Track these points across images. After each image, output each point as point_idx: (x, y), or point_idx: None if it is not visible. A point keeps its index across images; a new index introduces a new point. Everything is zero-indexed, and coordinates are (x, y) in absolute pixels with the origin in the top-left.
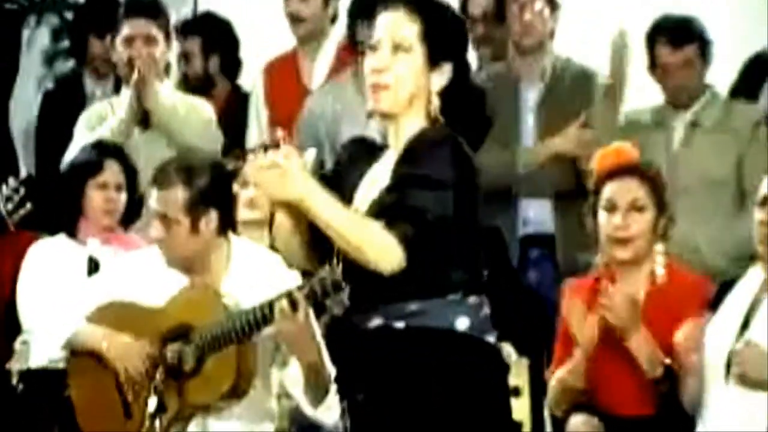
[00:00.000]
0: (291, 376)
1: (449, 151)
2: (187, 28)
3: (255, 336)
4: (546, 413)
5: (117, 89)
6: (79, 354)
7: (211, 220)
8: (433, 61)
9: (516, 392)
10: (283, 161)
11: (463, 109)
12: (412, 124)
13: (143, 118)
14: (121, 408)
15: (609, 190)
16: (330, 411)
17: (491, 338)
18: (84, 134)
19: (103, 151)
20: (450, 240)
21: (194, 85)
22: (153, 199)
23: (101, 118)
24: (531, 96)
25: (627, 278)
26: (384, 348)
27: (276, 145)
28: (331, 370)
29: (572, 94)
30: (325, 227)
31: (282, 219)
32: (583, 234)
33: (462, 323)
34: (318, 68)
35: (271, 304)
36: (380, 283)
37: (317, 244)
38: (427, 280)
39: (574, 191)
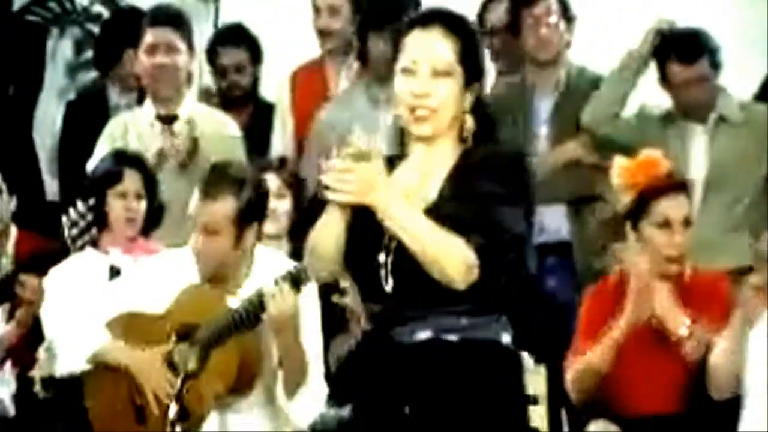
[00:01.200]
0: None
1: (519, 171)
2: (228, 38)
3: (252, 325)
4: (564, 418)
5: (141, 99)
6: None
7: (253, 233)
8: (468, 82)
9: (534, 400)
10: (367, 166)
11: (481, 122)
12: (444, 140)
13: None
14: (134, 413)
15: (663, 206)
16: (304, 411)
17: (522, 354)
18: (105, 147)
19: (123, 160)
20: (511, 259)
21: (235, 96)
22: (199, 210)
23: (124, 131)
24: (544, 107)
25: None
26: (436, 360)
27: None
28: (323, 385)
29: (586, 103)
30: (403, 235)
31: (333, 221)
32: (598, 239)
33: (505, 337)
34: (344, 79)
35: (261, 292)
36: (435, 297)
37: (356, 259)
38: (482, 298)
39: (587, 197)
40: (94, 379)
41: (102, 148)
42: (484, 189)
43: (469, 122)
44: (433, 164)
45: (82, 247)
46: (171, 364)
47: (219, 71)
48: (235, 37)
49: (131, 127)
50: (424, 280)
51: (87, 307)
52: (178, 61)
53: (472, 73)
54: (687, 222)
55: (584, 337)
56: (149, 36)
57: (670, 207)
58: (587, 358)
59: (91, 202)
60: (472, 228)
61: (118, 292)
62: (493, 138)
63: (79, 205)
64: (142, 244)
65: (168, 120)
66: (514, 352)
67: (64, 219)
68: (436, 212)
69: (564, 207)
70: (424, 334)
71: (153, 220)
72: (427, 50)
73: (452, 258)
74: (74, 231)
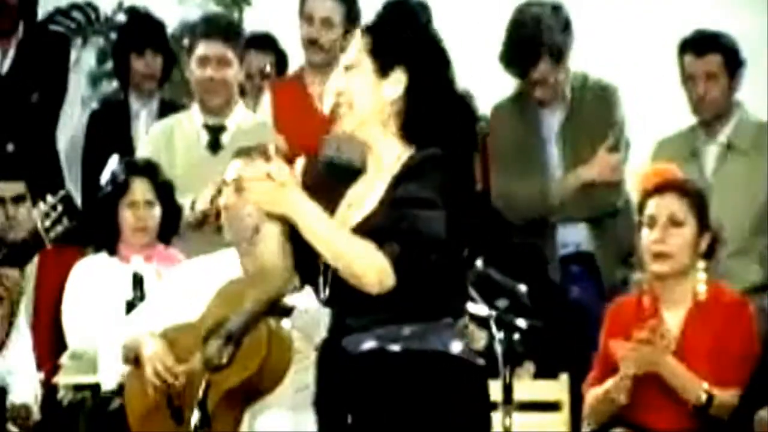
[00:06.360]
0: None
1: (445, 175)
2: (256, 43)
3: (279, 311)
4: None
5: (162, 108)
6: (132, 365)
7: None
8: (383, 70)
9: (556, 407)
10: (276, 174)
11: (436, 111)
12: (387, 146)
13: (213, 142)
14: (171, 415)
15: (650, 206)
16: None
17: (480, 361)
18: (145, 152)
19: (131, 169)
20: (442, 263)
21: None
22: (232, 169)
23: (169, 137)
24: (554, 122)
25: (669, 295)
26: (379, 370)
27: (267, 158)
28: None
29: (594, 113)
30: (314, 241)
31: (272, 233)
32: (620, 252)
33: (456, 346)
34: (328, 93)
35: None
36: (374, 305)
37: (300, 264)
38: (421, 303)
39: (609, 213)
40: (133, 382)
41: (141, 154)
42: (402, 194)
43: (387, 111)
44: (378, 172)
45: (55, 239)
46: (207, 363)
47: (245, 74)
48: (262, 42)
49: (177, 132)
50: (357, 288)
51: (128, 321)
52: (229, 75)
53: (386, 61)
54: (676, 222)
55: (601, 363)
56: (201, 48)
57: (655, 205)
58: (599, 393)
59: (62, 193)
60: (391, 234)
61: (162, 302)
62: (442, 138)
63: (49, 197)
64: (161, 251)
65: (215, 130)
66: (468, 362)
67: (34, 211)
68: (367, 222)
69: (583, 224)
70: (368, 345)
71: (170, 226)
72: (346, 53)
73: (363, 263)
74: (47, 222)
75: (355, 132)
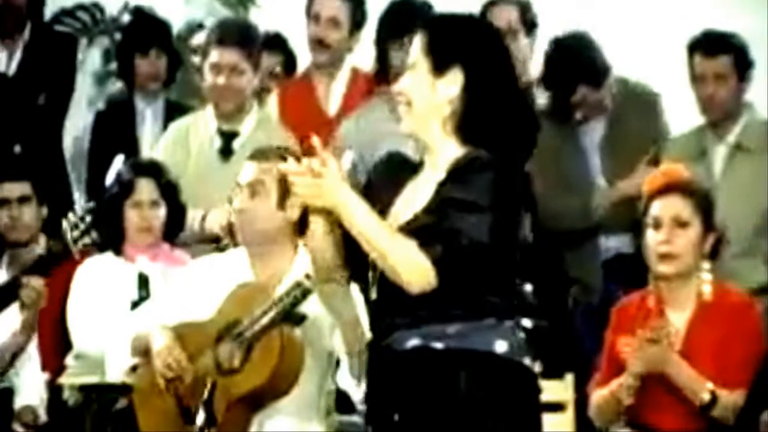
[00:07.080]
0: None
1: (491, 177)
2: (265, 44)
3: (295, 319)
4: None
5: (168, 109)
6: (141, 362)
7: (295, 204)
8: (438, 69)
9: (560, 407)
10: (321, 167)
11: (492, 112)
12: (445, 145)
13: (225, 148)
14: (181, 415)
15: (654, 207)
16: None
17: (527, 361)
18: (160, 154)
19: (136, 169)
20: (486, 265)
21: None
22: (247, 171)
23: (185, 136)
24: (594, 133)
25: (674, 295)
26: (422, 368)
27: (312, 153)
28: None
29: (637, 125)
30: (358, 236)
31: (316, 228)
32: None
33: (501, 346)
34: (334, 93)
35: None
36: (418, 304)
37: (351, 258)
38: (464, 303)
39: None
40: (142, 380)
41: (156, 154)
42: (447, 195)
43: (446, 111)
44: (433, 171)
45: (84, 249)
46: (218, 366)
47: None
48: (271, 43)
49: (192, 133)
50: (402, 287)
51: (135, 316)
52: (241, 83)
53: (442, 59)
54: (681, 223)
55: (607, 362)
56: (214, 55)
57: (660, 206)
58: (605, 393)
59: (91, 204)
60: (434, 235)
61: (169, 298)
62: (498, 139)
63: (78, 208)
64: (166, 250)
65: (228, 136)
66: (513, 362)
67: (64, 222)
68: (414, 221)
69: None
70: (412, 342)
71: (175, 225)
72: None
73: (405, 262)
74: (75, 233)
75: (415, 132)
